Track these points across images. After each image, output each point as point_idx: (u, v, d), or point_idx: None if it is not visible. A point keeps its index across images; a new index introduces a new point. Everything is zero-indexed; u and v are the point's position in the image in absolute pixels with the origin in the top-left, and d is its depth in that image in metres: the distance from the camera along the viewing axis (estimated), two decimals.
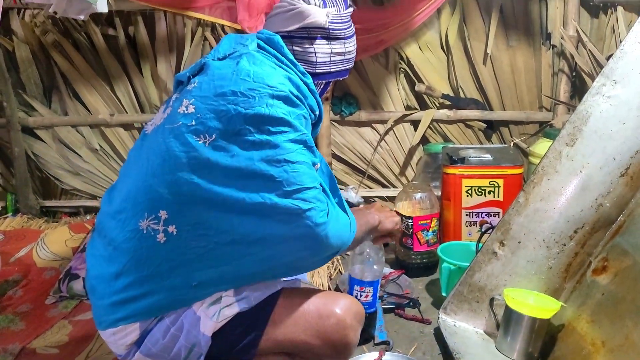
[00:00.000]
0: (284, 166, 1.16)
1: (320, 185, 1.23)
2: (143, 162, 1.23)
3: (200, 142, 1.16)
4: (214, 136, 1.16)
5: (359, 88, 2.71)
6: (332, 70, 1.38)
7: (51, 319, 1.87)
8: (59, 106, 2.86)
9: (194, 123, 1.17)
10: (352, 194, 2.71)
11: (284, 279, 1.40)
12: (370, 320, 1.65)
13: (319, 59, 1.35)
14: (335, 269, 2.22)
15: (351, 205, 2.58)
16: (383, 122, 2.75)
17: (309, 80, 1.31)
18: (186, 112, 1.19)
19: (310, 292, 1.32)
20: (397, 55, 2.66)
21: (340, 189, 2.79)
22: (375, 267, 1.61)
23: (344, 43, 1.38)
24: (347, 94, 2.74)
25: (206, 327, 1.21)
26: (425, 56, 2.66)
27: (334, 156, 2.84)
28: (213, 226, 1.18)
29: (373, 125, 2.78)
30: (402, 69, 2.70)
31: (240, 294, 1.25)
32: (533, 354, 1.55)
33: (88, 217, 2.86)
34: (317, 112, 1.34)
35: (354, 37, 1.42)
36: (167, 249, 1.18)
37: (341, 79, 1.44)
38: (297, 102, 1.22)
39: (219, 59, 1.28)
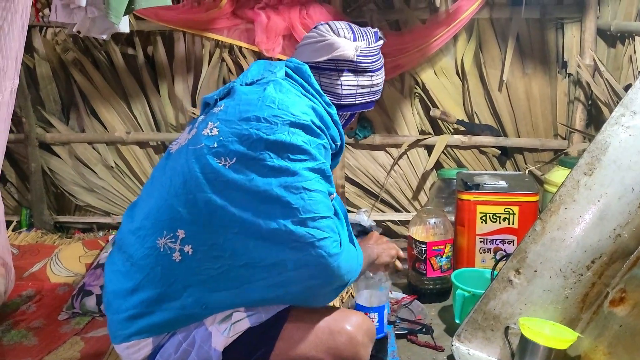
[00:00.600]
0: (301, 193, 1.17)
1: (335, 215, 1.25)
2: (165, 181, 1.25)
3: (220, 164, 1.18)
4: (234, 159, 1.18)
5: (373, 112, 2.73)
6: (357, 102, 1.41)
7: (64, 335, 1.87)
8: (77, 123, 2.90)
9: (216, 145, 1.19)
10: (364, 217, 2.70)
11: None
12: (379, 346, 1.62)
13: (344, 91, 1.38)
14: (347, 292, 2.21)
15: (363, 229, 2.58)
16: (397, 146, 2.76)
17: (334, 111, 1.32)
18: (210, 134, 1.21)
19: (321, 309, 1.32)
20: (412, 80, 2.68)
21: (353, 212, 2.80)
22: (380, 292, 1.59)
23: (372, 76, 1.40)
24: (361, 118, 2.75)
25: (217, 343, 1.22)
26: (441, 81, 2.68)
27: (347, 179, 2.84)
28: (228, 248, 1.19)
29: (387, 149, 2.79)
30: (417, 94, 2.72)
31: (250, 309, 1.25)
32: None
33: (101, 233, 2.88)
34: (339, 143, 1.35)
35: (382, 69, 1.44)
36: (182, 267, 1.20)
37: (366, 110, 1.46)
38: (318, 131, 1.24)
39: (247, 84, 1.30)
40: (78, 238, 2.75)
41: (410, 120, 2.74)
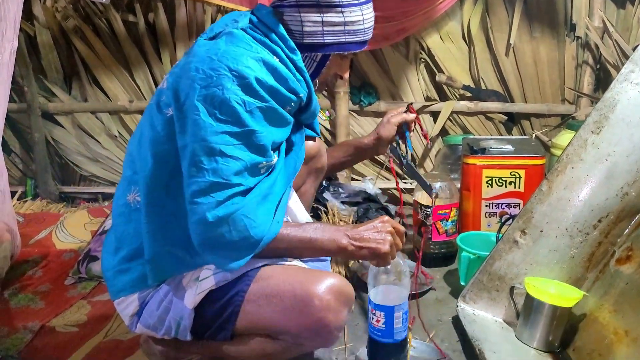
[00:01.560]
0: (216, 156, 1.12)
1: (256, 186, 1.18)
2: (132, 139, 1.31)
3: (168, 115, 1.19)
4: (170, 110, 1.18)
5: (378, 78, 2.70)
6: (326, 42, 1.25)
7: (70, 299, 1.88)
8: (79, 92, 2.89)
9: (163, 98, 1.21)
10: (369, 186, 2.70)
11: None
12: (385, 353, 1.35)
13: (306, 29, 1.24)
14: None
15: (369, 196, 2.57)
16: None
17: (297, 57, 1.23)
18: (162, 87, 1.24)
19: (292, 270, 1.24)
20: (417, 44, 2.64)
21: (358, 180, 2.79)
22: (393, 289, 1.32)
23: (342, 12, 1.23)
24: (366, 84, 2.72)
25: (188, 301, 1.22)
26: (447, 46, 2.64)
27: None
28: (168, 201, 1.20)
29: None
30: (422, 59, 2.68)
31: (217, 268, 1.23)
32: (553, 343, 1.53)
33: (107, 203, 2.88)
34: (304, 94, 1.26)
35: (365, 5, 1.27)
36: (145, 220, 1.22)
37: (346, 52, 1.29)
38: (262, 92, 1.15)
39: (210, 38, 1.25)
40: (83, 207, 2.75)
41: (416, 87, 2.71)
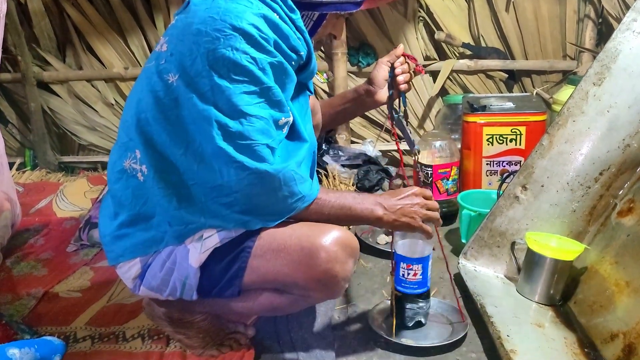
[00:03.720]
0: (240, 118, 1.10)
1: (298, 138, 1.21)
2: (127, 104, 1.26)
3: (169, 82, 1.14)
4: (177, 75, 1.13)
5: (376, 38, 2.65)
6: (324, 0, 1.22)
7: (73, 266, 1.89)
8: (74, 60, 2.85)
9: (164, 62, 1.15)
10: (369, 148, 2.68)
11: None
12: (416, 302, 1.44)
13: None
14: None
15: (369, 158, 2.55)
16: None
17: (297, 16, 1.20)
18: (161, 50, 1.18)
19: (297, 225, 1.23)
20: (416, 2, 2.59)
21: (358, 142, 2.77)
22: (419, 242, 1.42)
23: None
24: (364, 44, 2.68)
25: (193, 259, 1.21)
26: (446, 4, 2.59)
27: None
28: (177, 169, 1.17)
29: None
30: (421, 18, 2.63)
31: None
32: (554, 297, 1.54)
33: (106, 171, 2.87)
34: (303, 52, 1.23)
35: None
36: (146, 187, 1.20)
37: (342, 12, 1.27)
38: (268, 47, 1.12)
39: None
40: (83, 175, 2.75)
41: (415, 46, 2.67)
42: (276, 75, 1.15)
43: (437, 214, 1.31)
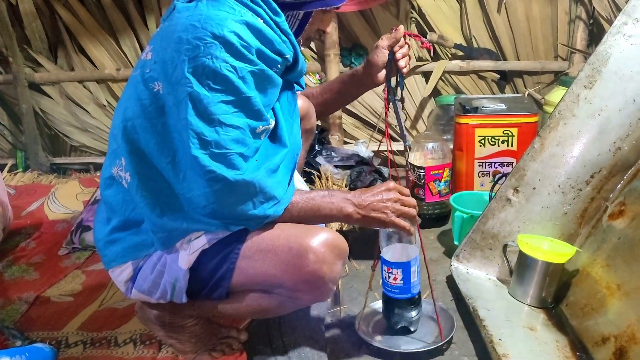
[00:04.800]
0: (216, 127, 1.10)
1: (278, 142, 1.22)
2: (116, 112, 1.27)
3: (155, 90, 1.14)
4: (161, 84, 1.13)
5: (368, 38, 2.65)
6: None
7: (65, 269, 1.88)
8: (65, 61, 2.84)
9: (148, 70, 1.16)
10: (362, 149, 2.68)
11: None
12: (400, 307, 1.41)
13: None
14: None
15: (362, 159, 2.55)
16: None
17: (281, 19, 1.20)
18: (146, 58, 1.18)
19: (285, 225, 1.22)
20: (408, 3, 2.59)
21: (351, 143, 2.77)
22: (404, 246, 1.37)
23: None
24: (356, 45, 2.68)
25: (182, 261, 1.21)
26: (438, 4, 2.59)
27: (344, 110, 2.80)
28: (161, 176, 1.18)
29: None
30: (413, 19, 2.63)
31: None
32: (546, 299, 1.54)
33: (98, 173, 2.86)
34: (290, 55, 1.22)
35: None
36: (131, 194, 1.21)
37: (328, 8, 1.27)
38: (249, 55, 1.12)
39: (189, 1, 1.19)
40: (74, 177, 2.74)
41: None
42: (257, 83, 1.15)
43: (413, 211, 1.27)
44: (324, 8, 1.26)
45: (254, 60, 1.13)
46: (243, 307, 1.28)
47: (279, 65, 1.21)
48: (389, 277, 1.38)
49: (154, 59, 1.15)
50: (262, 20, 1.16)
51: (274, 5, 1.19)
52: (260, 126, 1.16)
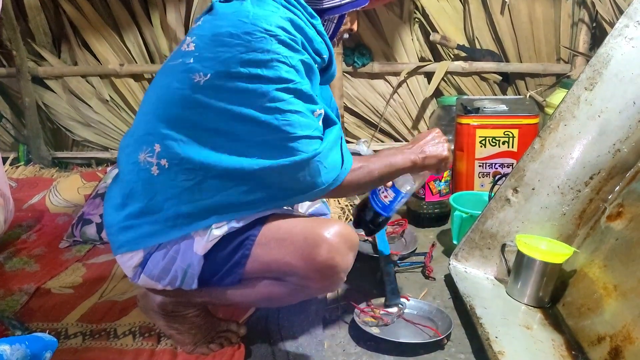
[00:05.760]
0: (275, 114, 1.15)
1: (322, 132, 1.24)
2: (147, 99, 1.27)
3: (195, 81, 1.17)
4: (208, 76, 1.16)
5: (372, 38, 2.66)
6: (342, 2, 1.30)
7: (65, 262, 1.89)
8: (69, 56, 2.84)
9: (192, 61, 1.18)
10: (364, 148, 2.68)
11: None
12: (372, 217, 1.51)
13: None
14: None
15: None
16: (396, 74, 2.70)
17: (318, 22, 1.27)
18: (187, 49, 1.20)
19: (300, 218, 1.30)
20: (411, 4, 2.60)
21: (352, 142, 2.77)
22: (411, 184, 1.45)
23: None
24: (360, 45, 2.69)
25: (199, 247, 1.23)
26: (441, 5, 2.59)
27: (346, 109, 2.81)
28: (201, 162, 1.19)
29: (386, 77, 2.73)
30: (416, 19, 2.64)
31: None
32: (543, 299, 1.55)
33: (100, 167, 2.87)
34: (326, 56, 1.30)
35: None
36: (160, 181, 1.22)
37: (359, 8, 1.34)
38: (297, 46, 1.18)
39: (226, 0, 1.25)
40: (76, 171, 2.75)
41: (410, 47, 2.67)
42: (306, 72, 1.21)
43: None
44: (356, 9, 1.33)
45: (301, 50, 1.20)
46: (253, 293, 1.30)
47: (317, 64, 1.27)
48: (383, 193, 1.46)
49: (197, 50, 1.18)
50: (301, 21, 1.23)
51: (310, 9, 1.26)
52: (317, 110, 1.23)
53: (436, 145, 1.37)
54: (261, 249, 1.23)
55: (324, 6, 1.28)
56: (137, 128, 1.27)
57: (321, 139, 1.22)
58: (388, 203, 1.47)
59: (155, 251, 1.26)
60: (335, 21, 1.33)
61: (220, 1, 1.26)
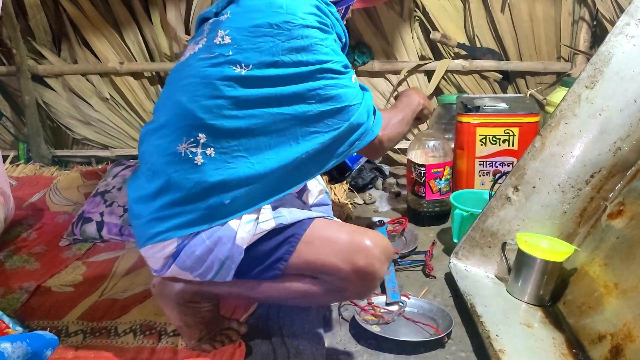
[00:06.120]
0: (318, 90, 1.26)
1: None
2: (181, 91, 1.28)
3: (236, 71, 1.23)
4: (250, 66, 1.24)
5: (372, 37, 2.66)
6: None
7: (65, 260, 1.89)
8: (69, 54, 2.84)
9: (231, 53, 1.25)
10: None
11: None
12: (339, 167, 1.74)
13: None
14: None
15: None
16: (396, 72, 2.70)
17: (334, 9, 1.37)
18: (222, 42, 1.26)
19: (343, 223, 1.38)
20: (412, 2, 2.59)
21: None
22: None
23: None
24: (360, 43, 2.68)
25: (242, 240, 1.24)
26: (441, 3, 2.59)
27: None
28: (250, 147, 1.26)
29: (386, 75, 2.73)
30: (417, 17, 2.63)
31: (277, 212, 1.30)
32: (544, 297, 1.55)
33: (99, 166, 2.86)
34: (344, 39, 1.41)
35: None
36: (203, 170, 1.25)
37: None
38: (327, 29, 1.30)
39: None
40: (76, 170, 2.75)
41: (410, 45, 2.67)
42: (338, 51, 1.33)
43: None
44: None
45: (331, 31, 1.32)
46: (288, 289, 1.31)
47: (339, 46, 1.37)
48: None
49: (234, 43, 1.25)
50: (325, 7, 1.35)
51: None
52: (352, 77, 1.35)
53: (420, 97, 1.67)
54: (306, 246, 1.27)
55: None
56: (174, 119, 1.28)
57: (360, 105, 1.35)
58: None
59: (190, 241, 1.26)
60: (342, 12, 1.46)
61: None
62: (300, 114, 1.26)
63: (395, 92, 2.70)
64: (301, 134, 1.28)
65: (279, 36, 1.23)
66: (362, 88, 1.41)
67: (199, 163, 1.24)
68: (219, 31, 1.28)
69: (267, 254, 1.28)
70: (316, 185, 1.64)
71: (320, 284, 1.29)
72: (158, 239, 1.27)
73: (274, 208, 1.31)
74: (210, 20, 1.36)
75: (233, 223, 1.26)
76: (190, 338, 1.39)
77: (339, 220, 1.41)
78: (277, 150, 1.27)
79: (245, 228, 1.25)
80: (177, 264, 1.28)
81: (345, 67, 1.32)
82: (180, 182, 1.25)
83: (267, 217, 1.27)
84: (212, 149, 1.25)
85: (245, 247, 1.24)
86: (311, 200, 1.61)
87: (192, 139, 1.25)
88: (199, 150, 1.24)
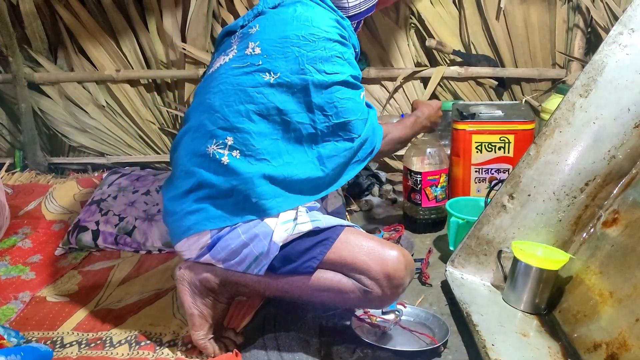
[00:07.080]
0: (335, 103, 1.40)
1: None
2: (212, 97, 1.41)
3: (266, 79, 1.36)
4: (278, 74, 1.37)
5: (368, 44, 2.66)
6: (362, 9, 1.57)
7: (61, 269, 1.89)
8: (65, 62, 2.83)
9: (260, 63, 1.38)
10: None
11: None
12: None
13: (351, 4, 1.54)
14: None
15: None
16: (392, 79, 2.70)
17: (348, 23, 1.50)
18: (253, 53, 1.40)
19: (372, 235, 1.49)
20: (407, 9, 2.60)
21: None
22: None
23: None
24: None
25: (279, 237, 1.32)
26: (437, 11, 2.60)
27: None
28: (273, 150, 1.37)
29: (382, 82, 2.74)
30: (412, 24, 2.64)
31: (313, 216, 1.39)
32: (540, 305, 1.55)
33: (96, 174, 2.86)
34: (358, 50, 1.56)
35: None
36: (230, 169, 1.35)
37: (371, 13, 1.62)
38: (347, 42, 1.44)
39: (272, 8, 1.47)
40: (72, 177, 2.74)
41: (406, 52, 2.68)
42: (354, 64, 1.47)
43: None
44: (368, 15, 1.62)
45: (349, 45, 1.46)
46: (318, 283, 1.35)
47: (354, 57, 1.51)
48: None
49: (264, 53, 1.39)
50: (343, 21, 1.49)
51: (340, 13, 1.51)
52: (362, 93, 1.49)
53: (429, 107, 1.89)
54: (342, 244, 1.34)
55: (350, 14, 1.55)
56: (203, 124, 1.40)
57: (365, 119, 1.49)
58: None
59: (226, 234, 1.34)
60: (354, 26, 1.58)
61: (269, 8, 1.48)
62: (316, 123, 1.39)
63: (391, 99, 2.71)
64: (314, 143, 1.41)
65: (305, 47, 1.36)
66: (368, 106, 1.53)
67: (225, 163, 1.35)
68: (250, 43, 1.41)
69: (301, 253, 1.34)
70: (335, 196, 1.77)
71: (350, 282, 1.33)
72: (192, 232, 1.36)
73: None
74: (237, 33, 1.49)
75: (270, 221, 1.34)
76: (198, 329, 1.40)
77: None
78: (295, 156, 1.39)
79: (283, 227, 1.33)
80: (211, 255, 1.36)
81: (359, 80, 1.46)
82: (209, 180, 1.35)
83: (305, 220, 1.36)
84: (238, 151, 1.35)
85: (281, 244, 1.31)
86: (330, 209, 1.72)
87: (221, 141, 1.36)
88: (226, 152, 1.36)
